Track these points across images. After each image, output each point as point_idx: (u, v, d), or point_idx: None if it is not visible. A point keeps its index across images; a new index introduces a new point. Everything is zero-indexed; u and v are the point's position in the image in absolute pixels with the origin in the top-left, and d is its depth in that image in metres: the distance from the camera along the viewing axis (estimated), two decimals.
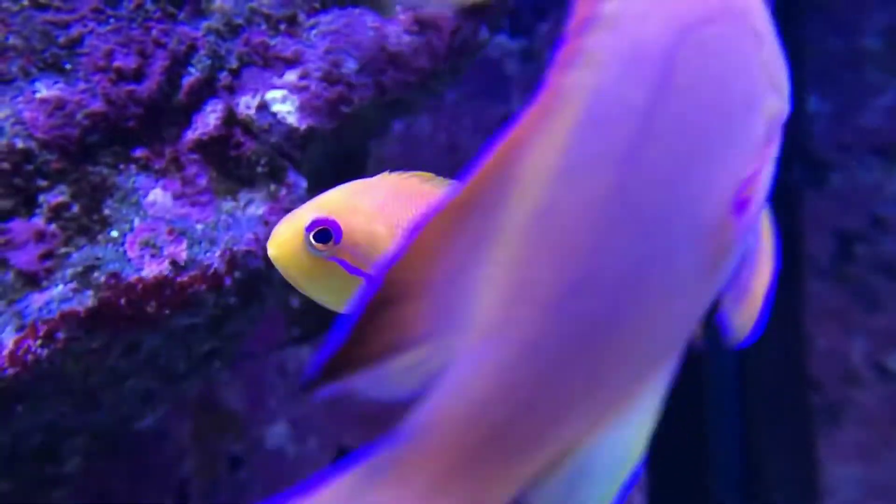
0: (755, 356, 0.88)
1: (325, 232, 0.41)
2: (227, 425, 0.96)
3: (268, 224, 0.53)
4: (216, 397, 0.96)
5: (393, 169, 0.47)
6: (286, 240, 0.41)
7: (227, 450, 0.95)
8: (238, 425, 0.96)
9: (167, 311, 0.48)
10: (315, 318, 0.98)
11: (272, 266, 0.55)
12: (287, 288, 1.04)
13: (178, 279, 0.49)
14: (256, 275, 0.53)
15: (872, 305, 0.86)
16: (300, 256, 0.41)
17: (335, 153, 0.60)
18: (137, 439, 0.92)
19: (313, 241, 0.40)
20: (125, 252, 0.48)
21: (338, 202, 0.42)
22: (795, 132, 0.87)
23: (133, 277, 0.48)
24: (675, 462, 0.89)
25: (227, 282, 0.50)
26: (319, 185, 0.60)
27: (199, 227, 0.51)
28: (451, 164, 1.09)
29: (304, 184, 0.55)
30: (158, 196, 0.51)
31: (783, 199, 0.87)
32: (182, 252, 0.49)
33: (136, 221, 0.50)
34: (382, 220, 0.42)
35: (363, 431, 0.94)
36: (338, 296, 0.42)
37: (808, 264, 0.87)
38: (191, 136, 0.52)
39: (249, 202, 0.53)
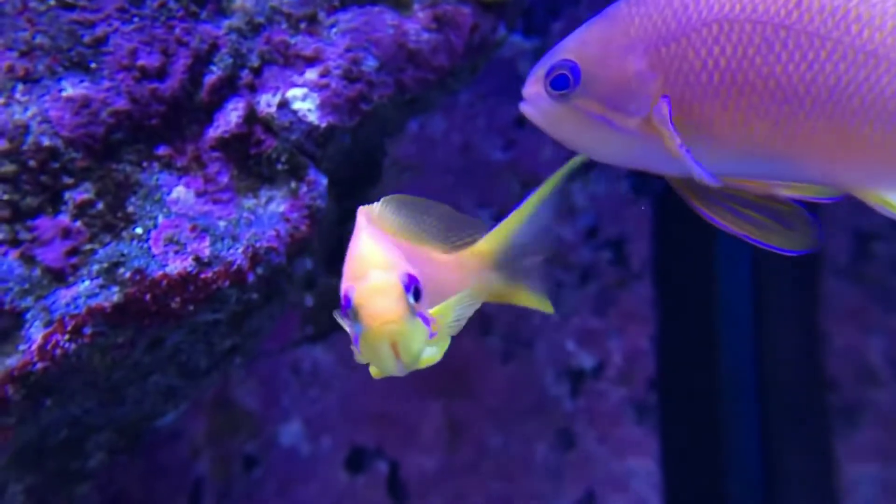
0: (772, 355, 0.87)
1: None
2: (242, 424, 0.96)
3: (289, 221, 0.54)
4: (230, 396, 0.96)
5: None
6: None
7: (241, 449, 0.95)
8: (252, 424, 0.96)
9: (191, 307, 0.49)
10: (329, 317, 0.98)
11: (293, 262, 0.55)
12: (303, 286, 1.04)
13: (202, 275, 0.49)
14: (278, 271, 0.53)
15: (891, 304, 0.86)
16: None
17: (353, 151, 0.61)
18: (152, 438, 0.93)
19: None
20: (149, 248, 0.49)
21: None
22: None
23: (158, 273, 0.48)
24: (691, 462, 0.89)
25: (250, 278, 0.51)
26: (335, 183, 0.61)
27: (222, 223, 0.51)
28: (465, 163, 1.09)
29: (324, 181, 0.55)
30: (181, 193, 0.51)
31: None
32: (205, 248, 0.50)
33: (160, 218, 0.50)
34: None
35: (376, 430, 0.95)
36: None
37: (825, 263, 0.87)
38: (212, 133, 0.53)
39: (270, 199, 0.54)
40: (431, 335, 0.40)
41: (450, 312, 0.42)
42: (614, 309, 0.93)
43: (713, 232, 0.90)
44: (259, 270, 0.51)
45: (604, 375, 0.93)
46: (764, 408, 0.87)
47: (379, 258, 0.39)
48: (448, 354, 1.12)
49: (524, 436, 0.93)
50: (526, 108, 0.41)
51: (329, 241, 0.66)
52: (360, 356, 0.40)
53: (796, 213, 0.38)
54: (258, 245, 0.51)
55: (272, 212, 0.53)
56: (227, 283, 0.50)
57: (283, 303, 0.57)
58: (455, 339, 0.97)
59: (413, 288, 0.38)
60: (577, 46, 0.39)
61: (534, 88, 0.40)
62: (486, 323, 0.93)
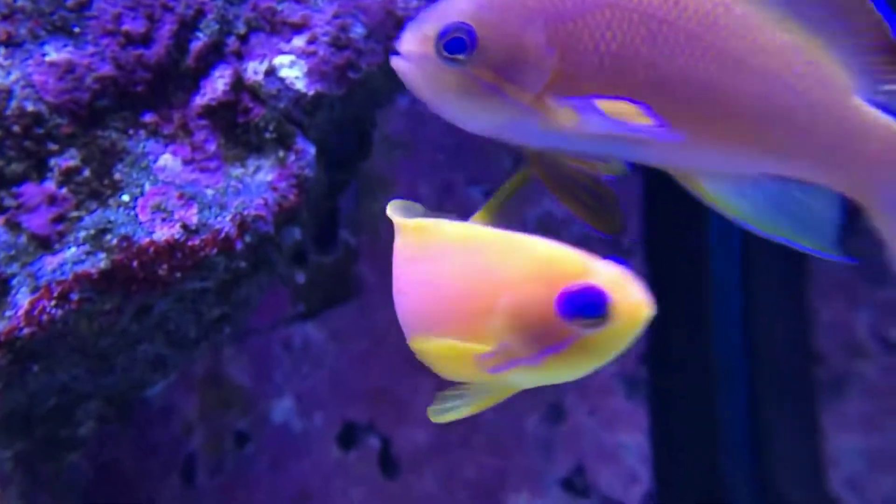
0: (762, 330, 0.88)
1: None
2: (233, 400, 0.97)
3: (276, 190, 0.53)
4: (222, 372, 0.97)
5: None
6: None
7: (233, 425, 0.95)
8: (244, 400, 0.96)
9: (179, 275, 0.49)
10: (320, 294, 0.99)
11: (281, 231, 0.55)
12: (293, 262, 1.04)
13: (190, 242, 0.49)
14: (266, 239, 0.53)
15: (877, 278, 0.86)
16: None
17: (342, 120, 0.60)
18: (145, 415, 0.93)
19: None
20: (136, 216, 0.49)
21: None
22: None
23: (145, 240, 0.48)
24: (681, 435, 0.90)
25: (238, 245, 0.51)
26: (324, 153, 0.60)
27: (209, 192, 0.51)
28: (456, 140, 1.09)
29: (312, 150, 0.55)
30: (168, 161, 0.51)
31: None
32: (193, 216, 0.50)
33: (147, 186, 0.50)
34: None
35: (368, 406, 0.95)
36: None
37: None
38: (199, 101, 0.52)
39: (258, 169, 0.53)
40: None
41: None
42: None
43: (704, 208, 0.90)
44: (247, 238, 0.51)
45: None
46: (753, 381, 0.87)
47: (561, 249, 0.34)
48: None
49: (515, 410, 0.94)
50: (401, 65, 0.40)
51: (318, 214, 0.66)
52: (559, 369, 0.34)
53: (611, 196, 0.39)
54: (246, 213, 0.51)
55: (260, 181, 0.53)
56: (215, 250, 0.50)
57: (272, 273, 0.57)
58: None
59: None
60: (474, 11, 0.38)
61: (419, 47, 0.39)
62: None
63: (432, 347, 0.35)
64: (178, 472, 0.94)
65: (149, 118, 0.51)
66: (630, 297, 0.32)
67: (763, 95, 0.37)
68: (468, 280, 0.35)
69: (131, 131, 0.51)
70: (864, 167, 0.39)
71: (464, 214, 1.12)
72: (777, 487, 0.84)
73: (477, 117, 0.39)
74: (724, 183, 0.38)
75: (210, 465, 0.95)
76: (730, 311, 0.88)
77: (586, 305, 0.32)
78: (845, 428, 0.86)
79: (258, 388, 0.96)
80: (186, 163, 0.52)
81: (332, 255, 0.96)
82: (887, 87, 0.38)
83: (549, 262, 0.33)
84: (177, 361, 0.57)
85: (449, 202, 0.96)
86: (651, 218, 0.93)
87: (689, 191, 0.40)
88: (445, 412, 0.37)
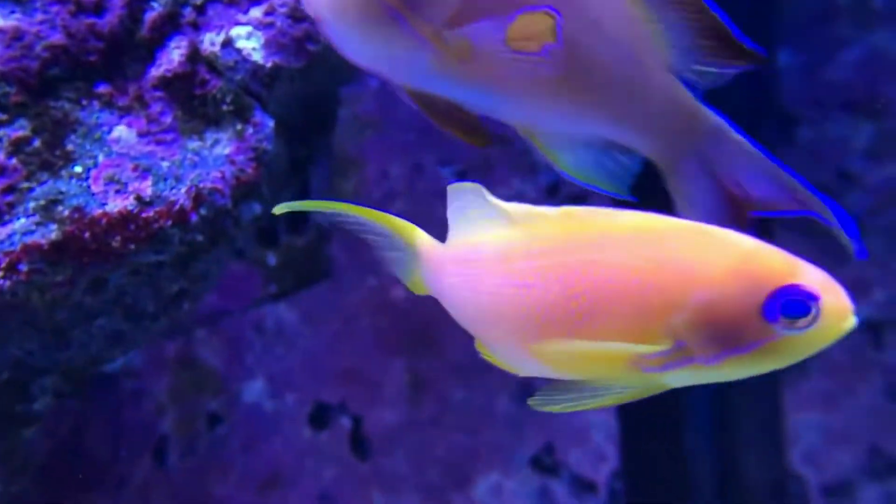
0: None
1: None
2: (205, 383, 0.96)
3: (234, 163, 0.53)
4: (194, 355, 0.96)
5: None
6: None
7: (205, 407, 0.95)
8: (216, 382, 0.96)
9: (132, 246, 0.48)
10: (292, 275, 0.98)
11: (239, 205, 0.54)
12: (264, 243, 1.03)
13: (143, 214, 0.49)
14: (223, 213, 0.53)
15: (840, 256, 0.88)
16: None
17: (304, 95, 0.60)
18: (115, 396, 0.93)
19: None
20: (89, 187, 0.48)
21: None
22: (766, 87, 0.87)
23: (97, 212, 0.48)
24: (647, 414, 0.91)
25: (193, 218, 0.50)
26: (289, 127, 0.60)
27: (165, 164, 0.51)
28: (427, 122, 1.08)
29: (270, 123, 0.55)
30: (123, 133, 0.51)
31: None
32: (147, 188, 0.49)
33: (101, 157, 0.49)
34: None
35: (340, 387, 0.95)
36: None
37: (778, 217, 0.89)
38: (154, 73, 0.52)
39: (216, 142, 0.53)
40: None
41: None
42: None
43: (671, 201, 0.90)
44: (202, 211, 0.51)
45: None
46: None
47: (764, 245, 0.31)
48: (412, 312, 1.12)
49: (486, 389, 0.95)
50: None
51: (281, 190, 0.66)
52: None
53: (475, 118, 0.41)
54: (202, 185, 0.51)
55: (218, 154, 0.52)
56: (170, 222, 0.49)
57: (231, 247, 0.57)
58: (419, 297, 0.97)
59: None
60: None
61: None
62: None
63: (580, 348, 0.32)
64: (150, 454, 0.94)
65: (102, 89, 0.51)
66: (839, 301, 0.30)
67: (612, 61, 0.39)
68: (647, 274, 0.32)
69: (84, 102, 0.50)
70: (670, 139, 0.41)
71: (435, 195, 1.12)
72: (739, 465, 0.86)
73: (372, 45, 0.39)
74: (559, 140, 0.40)
75: (182, 447, 0.95)
76: None
77: (797, 305, 0.30)
78: (806, 406, 0.87)
79: (230, 369, 0.96)
80: (142, 135, 0.51)
81: (303, 236, 0.96)
82: (698, 68, 0.40)
83: (754, 258, 0.31)
84: (136, 336, 0.56)
85: (419, 182, 0.96)
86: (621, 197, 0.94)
87: (528, 143, 0.41)
88: (552, 404, 0.34)
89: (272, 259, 0.95)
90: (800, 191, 0.41)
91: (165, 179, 0.50)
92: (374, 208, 0.39)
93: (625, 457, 0.90)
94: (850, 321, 0.31)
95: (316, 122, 0.66)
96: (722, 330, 0.31)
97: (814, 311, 0.30)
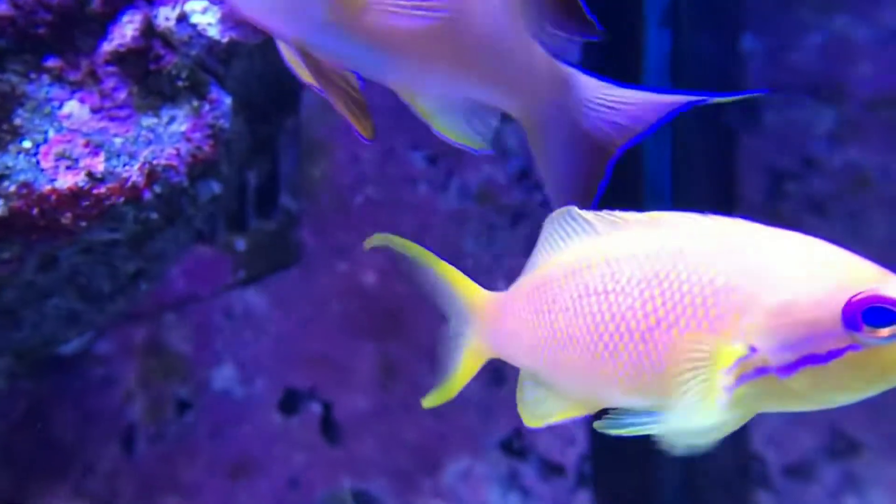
0: None
1: None
2: (174, 369, 0.95)
3: (190, 140, 0.52)
4: (162, 341, 0.95)
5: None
6: None
7: (174, 393, 0.94)
8: (184, 369, 0.95)
9: (84, 224, 0.48)
10: (261, 260, 0.97)
11: (196, 183, 0.54)
12: (233, 228, 1.02)
13: (95, 190, 0.48)
14: (178, 191, 0.52)
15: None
16: None
17: (264, 73, 0.59)
18: (83, 382, 0.92)
19: None
20: (38, 162, 0.47)
21: None
22: (730, 72, 0.88)
23: (46, 188, 0.47)
24: None
25: (147, 195, 0.50)
26: (250, 106, 0.59)
27: (118, 140, 0.50)
28: (397, 103, 1.08)
29: (228, 100, 0.54)
30: (74, 108, 0.50)
31: (719, 141, 0.89)
32: (99, 164, 0.48)
33: (51, 133, 0.48)
34: None
35: (310, 372, 0.95)
36: None
37: (742, 202, 0.90)
38: (107, 47, 0.51)
39: (172, 119, 0.52)
40: None
41: None
42: None
43: (639, 173, 0.91)
44: (157, 189, 0.50)
45: None
46: None
47: (849, 254, 0.29)
48: (382, 297, 1.11)
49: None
50: None
51: (243, 170, 0.65)
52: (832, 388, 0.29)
53: (364, 104, 0.43)
54: (156, 162, 0.50)
55: (174, 131, 0.52)
56: (122, 199, 0.48)
57: (190, 227, 0.56)
58: (390, 282, 0.96)
59: None
60: None
61: None
62: None
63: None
64: (118, 440, 0.93)
65: (52, 63, 0.50)
66: None
67: (481, 24, 0.40)
68: (722, 278, 0.31)
69: (33, 76, 0.49)
70: (529, 99, 0.43)
71: (406, 180, 1.11)
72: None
73: (287, 14, 0.39)
74: (435, 102, 0.42)
75: (150, 433, 0.94)
76: None
77: (880, 313, 0.28)
78: None
79: (199, 355, 0.95)
80: (94, 110, 0.50)
81: (272, 221, 0.95)
82: (552, 31, 0.42)
83: (836, 263, 0.30)
84: (92, 317, 0.56)
85: (390, 167, 0.95)
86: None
87: (408, 105, 0.43)
88: (623, 427, 0.33)
89: (241, 244, 0.95)
90: (654, 100, 0.42)
91: (118, 156, 0.49)
92: (444, 258, 0.39)
93: (593, 440, 0.91)
94: None
95: (278, 101, 0.65)
96: (798, 334, 0.30)
97: None
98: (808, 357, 0.30)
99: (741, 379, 0.31)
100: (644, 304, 0.32)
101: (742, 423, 0.33)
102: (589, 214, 0.36)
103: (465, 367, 0.40)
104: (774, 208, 0.87)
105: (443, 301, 0.39)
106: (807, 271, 0.30)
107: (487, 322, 0.39)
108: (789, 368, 0.30)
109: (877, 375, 0.30)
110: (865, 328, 0.29)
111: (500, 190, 0.95)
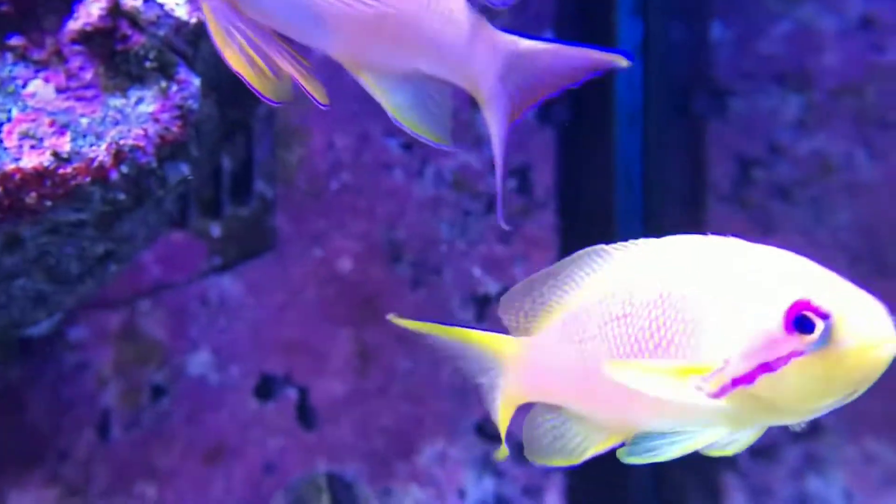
0: None
1: None
2: (149, 355, 0.95)
3: (158, 121, 0.52)
4: (137, 327, 0.95)
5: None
6: None
7: (149, 379, 0.94)
8: (160, 355, 0.95)
9: (49, 203, 0.47)
10: (236, 247, 0.97)
11: (164, 164, 0.54)
12: (208, 215, 1.02)
13: (61, 170, 0.48)
14: (146, 172, 0.52)
15: (770, 227, 0.91)
16: None
17: None
18: (57, 369, 0.91)
19: None
20: (1, 141, 0.47)
21: None
22: (699, 60, 0.89)
23: (10, 167, 0.47)
24: None
25: (113, 175, 0.50)
26: (220, 88, 0.59)
27: (84, 120, 0.50)
28: None
29: (196, 81, 0.54)
30: (39, 87, 0.49)
31: (688, 128, 0.90)
32: (65, 144, 0.48)
33: (14, 111, 0.48)
34: None
35: (286, 358, 0.95)
36: None
37: (711, 190, 0.91)
38: (72, 26, 0.51)
39: (140, 100, 0.52)
40: None
41: None
42: (518, 236, 0.95)
43: (612, 161, 0.92)
44: (124, 169, 0.50)
45: None
46: None
47: (810, 264, 0.31)
48: (358, 283, 1.12)
49: (432, 359, 0.96)
50: None
51: (214, 153, 0.65)
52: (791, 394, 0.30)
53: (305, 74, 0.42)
54: (122, 143, 0.50)
55: (141, 112, 0.52)
56: (88, 179, 0.48)
57: (158, 208, 0.56)
58: (366, 268, 0.96)
59: None
60: None
61: None
62: (395, 251, 0.94)
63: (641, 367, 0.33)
64: (93, 427, 0.93)
65: (15, 41, 0.49)
66: (862, 325, 0.29)
67: None
68: (712, 299, 0.33)
69: None
70: (474, 66, 0.43)
71: (381, 166, 1.11)
72: None
73: None
74: (384, 78, 0.42)
75: (125, 419, 0.94)
76: None
77: (804, 319, 0.30)
78: None
79: (174, 341, 0.95)
80: (60, 90, 0.50)
81: (247, 207, 0.95)
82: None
83: (794, 277, 0.31)
84: (61, 299, 0.56)
85: (366, 153, 0.95)
86: (563, 171, 0.95)
87: (359, 82, 0.43)
88: (642, 454, 0.35)
89: (216, 230, 0.94)
90: (582, 56, 0.43)
91: (85, 136, 0.49)
92: (460, 326, 0.39)
93: None
94: (874, 354, 0.29)
95: None
96: (752, 345, 0.32)
97: (822, 327, 0.30)
98: (763, 366, 0.32)
99: (722, 390, 0.32)
100: (655, 331, 0.34)
101: (753, 436, 0.35)
102: (608, 247, 0.37)
103: (503, 416, 0.42)
104: (742, 195, 0.89)
105: (474, 362, 0.40)
106: (767, 285, 0.32)
107: (520, 367, 0.41)
108: (750, 377, 0.32)
109: (827, 380, 0.31)
110: (797, 335, 0.31)
111: (475, 176, 0.95)
